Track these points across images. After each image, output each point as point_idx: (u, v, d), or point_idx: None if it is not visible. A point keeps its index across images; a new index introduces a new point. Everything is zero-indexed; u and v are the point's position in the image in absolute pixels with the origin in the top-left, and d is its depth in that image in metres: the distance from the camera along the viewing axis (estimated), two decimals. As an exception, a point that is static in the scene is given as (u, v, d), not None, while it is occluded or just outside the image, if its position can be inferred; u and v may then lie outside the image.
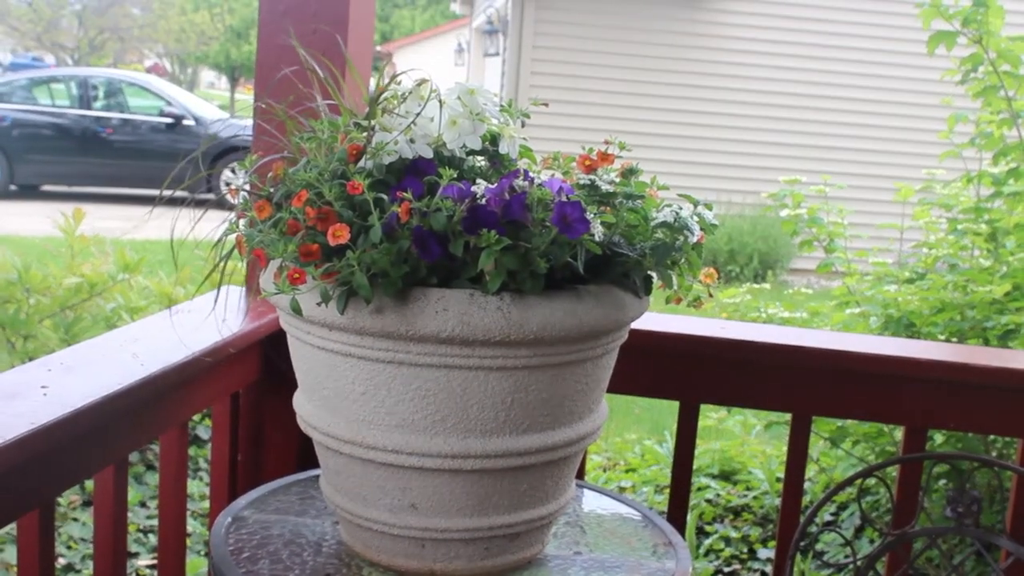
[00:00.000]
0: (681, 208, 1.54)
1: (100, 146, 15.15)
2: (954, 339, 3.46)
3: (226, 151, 11.22)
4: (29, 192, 15.13)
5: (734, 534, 4.12)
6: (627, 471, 4.79)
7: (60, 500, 3.58)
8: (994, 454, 3.33)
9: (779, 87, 13.09)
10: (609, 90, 13.00)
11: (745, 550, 4.04)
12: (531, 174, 1.46)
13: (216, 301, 1.87)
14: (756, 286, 4.15)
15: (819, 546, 3.92)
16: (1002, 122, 3.57)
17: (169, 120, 15.32)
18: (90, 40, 33.70)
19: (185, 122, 15.29)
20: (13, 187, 15.09)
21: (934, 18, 3.57)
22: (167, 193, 1.62)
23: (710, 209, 1.58)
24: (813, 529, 3.74)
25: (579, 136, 1.77)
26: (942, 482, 3.40)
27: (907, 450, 2.25)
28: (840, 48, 12.97)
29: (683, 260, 1.54)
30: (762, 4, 13.11)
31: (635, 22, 13.13)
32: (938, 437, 3.30)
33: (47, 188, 15.36)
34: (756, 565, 3.93)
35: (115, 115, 15.45)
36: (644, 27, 13.14)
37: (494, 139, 1.57)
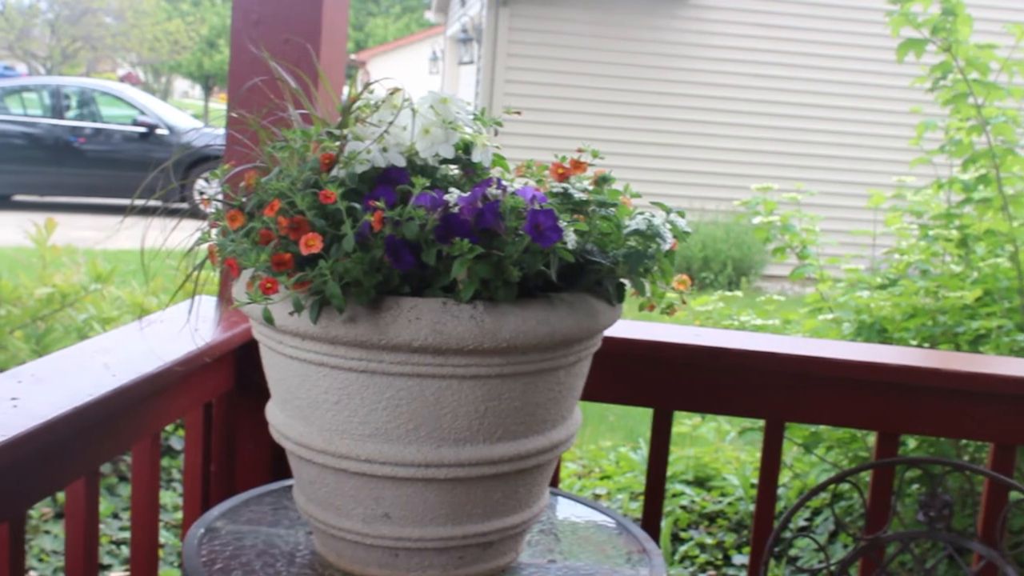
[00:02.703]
0: (653, 216, 1.54)
1: (73, 156, 15.07)
2: (926, 344, 3.48)
3: (200, 160, 11.20)
4: (0, 202, 15.03)
5: (709, 540, 4.13)
6: (602, 478, 4.79)
7: (31, 513, 3.55)
8: (966, 458, 3.35)
9: (751, 95, 13.14)
10: (583, 98, 13.03)
11: (720, 556, 4.05)
12: (504, 182, 1.46)
13: (189, 311, 1.86)
14: (729, 293, 4.15)
15: (793, 551, 3.94)
16: (971, 129, 3.60)
17: (142, 129, 15.25)
18: (63, 49, 33.52)
19: (159, 131, 15.23)
20: (-15, 197, 15.00)
21: (903, 26, 3.59)
22: (140, 203, 1.62)
23: (682, 216, 1.59)
24: (787, 535, 3.75)
25: (552, 144, 1.77)
26: (915, 486, 3.42)
27: (879, 455, 2.26)
28: (811, 56, 13.04)
29: (656, 267, 1.54)
30: (735, 12, 13.16)
31: (609, 31, 13.15)
32: (911, 442, 3.32)
33: (19, 198, 15.26)
34: (731, 571, 3.94)
35: (88, 124, 15.37)
36: (618, 36, 13.17)
37: (467, 148, 1.56)
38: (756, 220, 3.86)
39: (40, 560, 3.31)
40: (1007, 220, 3.50)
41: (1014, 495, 2.27)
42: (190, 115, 19.68)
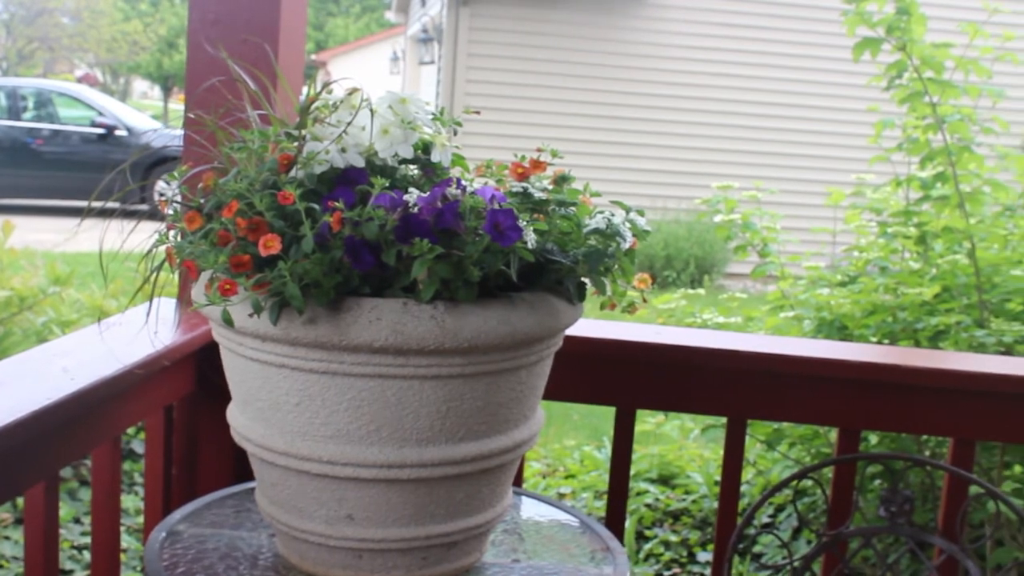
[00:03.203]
0: (613, 215, 1.54)
1: (30, 157, 14.93)
2: (886, 341, 3.50)
3: (159, 161, 11.12)
4: (-44, 205, 14.89)
5: (673, 538, 4.15)
6: (566, 477, 4.80)
7: (-9, 518, 3.52)
8: (927, 454, 3.38)
9: (711, 94, 13.21)
10: (544, 97, 13.06)
11: (685, 554, 4.07)
12: (464, 182, 1.46)
13: (148, 314, 1.85)
14: (691, 291, 4.17)
15: (757, 548, 3.96)
16: (927, 127, 3.63)
17: (101, 131, 15.13)
18: (19, 50, 33.24)
19: (117, 132, 15.12)
20: (-60, 200, 14.85)
21: (859, 25, 3.62)
22: (98, 204, 1.60)
23: (642, 215, 1.59)
24: (751, 531, 3.77)
25: (513, 144, 1.77)
26: (876, 482, 3.44)
27: (841, 451, 2.28)
28: (770, 55, 13.12)
29: (616, 266, 1.54)
30: (694, 12, 13.24)
31: (569, 30, 13.19)
32: (872, 438, 3.34)
33: (-25, 201, 15.12)
34: (696, 568, 3.95)
35: (45, 126, 15.24)
36: (579, 35, 13.20)
37: (426, 148, 1.56)
38: (717, 218, 3.87)
39: (0, 567, 3.28)
40: (964, 217, 3.53)
41: (974, 489, 2.30)
42: (149, 116, 19.55)
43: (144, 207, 1.65)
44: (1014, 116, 4.17)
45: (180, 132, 2.19)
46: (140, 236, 1.57)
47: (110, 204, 1.60)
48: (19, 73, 30.85)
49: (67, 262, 4.33)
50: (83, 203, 1.48)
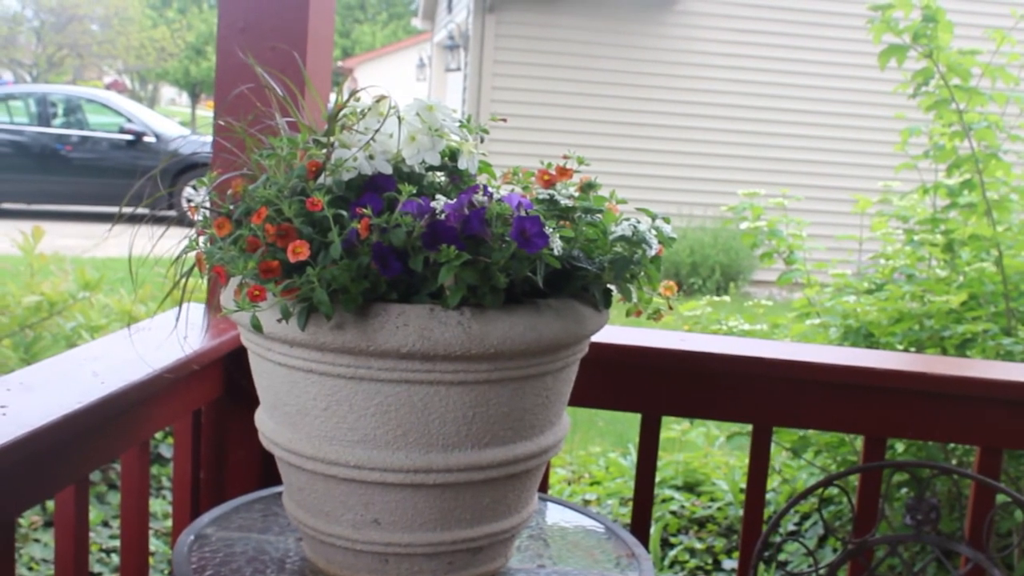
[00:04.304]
0: (639, 222, 1.55)
1: (59, 164, 15.02)
2: (912, 349, 3.49)
3: (188, 168, 11.17)
4: (-12, 211, 15.00)
5: (699, 545, 4.13)
6: (592, 484, 4.79)
7: (21, 521, 3.55)
8: (954, 462, 3.36)
9: (737, 100, 13.18)
10: (569, 104, 13.05)
11: (710, 561, 4.06)
12: (490, 189, 1.47)
13: (177, 319, 1.87)
14: (717, 299, 4.16)
15: (782, 556, 3.94)
16: (954, 134, 3.61)
17: (129, 137, 15.21)
18: (48, 57, 33.44)
19: (146, 139, 15.19)
20: (-29, 206, 14.96)
21: (885, 33, 3.60)
22: (127, 210, 1.62)
23: (668, 222, 1.59)
24: (776, 539, 3.76)
25: (539, 150, 1.77)
26: (902, 490, 3.43)
27: (867, 459, 2.27)
28: (796, 62, 13.08)
29: (642, 273, 1.54)
30: (722, 19, 13.21)
31: (596, 37, 13.18)
32: (899, 446, 3.33)
33: (6, 206, 15.20)
34: (720, 576, 3.94)
35: (75, 132, 15.34)
36: (605, 42, 13.19)
37: (453, 155, 1.57)
38: (743, 225, 3.86)
39: (30, 569, 3.30)
40: (991, 225, 3.52)
41: (1001, 498, 2.28)
42: (177, 122, 19.66)
43: (172, 213, 1.66)
44: (1043, 124, 4.14)
45: (208, 139, 2.21)
46: (169, 242, 1.58)
47: (139, 210, 1.62)
48: (49, 80, 31.03)
49: (96, 267, 4.36)
50: (112, 209, 1.49)
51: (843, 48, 12.68)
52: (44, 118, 15.45)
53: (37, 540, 3.46)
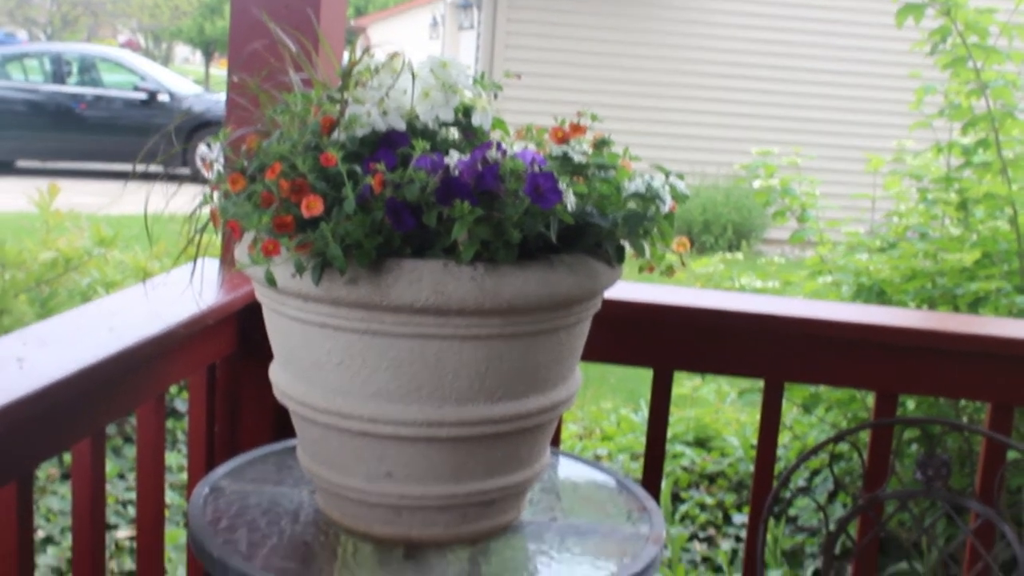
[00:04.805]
0: (653, 178, 1.54)
1: (74, 122, 15.03)
2: (924, 306, 3.48)
3: (201, 125, 11.16)
4: (3, 168, 15.00)
5: (709, 500, 4.15)
6: (603, 439, 4.81)
7: (38, 474, 3.57)
8: (964, 419, 3.36)
9: (752, 59, 13.09)
10: (583, 63, 12.98)
11: (720, 516, 4.08)
12: (504, 146, 1.46)
13: (192, 274, 1.87)
14: (729, 256, 4.16)
15: (792, 511, 3.96)
16: (970, 93, 3.58)
17: (143, 95, 15.20)
18: (63, 15, 33.36)
19: (160, 97, 15.18)
20: (-12, 163, 14.99)
21: (904, -12, 3.57)
22: (142, 168, 1.62)
23: (682, 179, 1.59)
24: (786, 494, 3.77)
25: (553, 108, 1.77)
26: (913, 446, 3.43)
27: (878, 415, 2.27)
28: (811, 20, 12.99)
29: (655, 230, 1.54)
30: (735, -24, 13.11)
31: (609, -6, 13.11)
32: (910, 403, 3.33)
33: (22, 164, 15.24)
34: (731, 530, 3.96)
35: (89, 91, 15.33)
36: (619, 0, 13.12)
37: (467, 111, 1.56)
38: (756, 184, 3.85)
39: (47, 520, 3.33)
40: (1006, 184, 3.50)
41: (1012, 455, 2.29)
42: (191, 81, 19.58)
43: (186, 170, 1.66)
44: (1059, 83, 4.10)
45: (221, 97, 2.20)
46: (183, 199, 1.58)
47: (153, 167, 1.62)
48: (63, 38, 30.97)
49: (111, 224, 4.36)
50: (127, 166, 1.50)
51: (858, 6, 12.59)
52: (59, 76, 15.44)
53: (55, 492, 3.49)
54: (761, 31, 13.03)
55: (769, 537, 3.60)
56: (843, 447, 3.45)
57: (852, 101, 12.96)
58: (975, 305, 3.38)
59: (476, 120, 1.56)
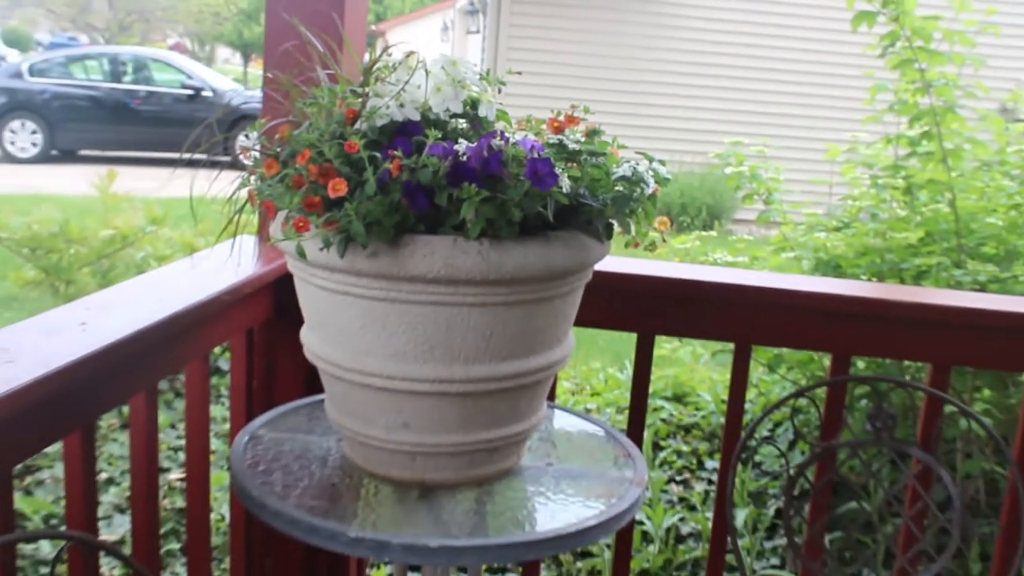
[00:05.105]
0: (638, 164, 1.53)
1: (129, 115, 15.01)
2: (874, 279, 3.48)
3: (240, 118, 11.10)
4: (68, 156, 14.99)
5: (685, 448, 4.16)
6: (592, 395, 4.81)
7: (100, 423, 3.58)
8: (908, 377, 3.36)
9: (724, 60, 13.07)
10: (576, 63, 12.95)
11: (695, 462, 4.08)
12: (507, 134, 1.46)
13: (232, 249, 1.87)
14: (704, 234, 4.15)
15: (758, 458, 3.96)
16: (916, 91, 3.56)
17: (190, 92, 15.17)
18: (119, 21, 33.29)
19: (204, 93, 15.14)
20: (54, 152, 14.97)
21: (857, -1, 3.55)
22: (188, 156, 1.61)
23: (663, 165, 1.58)
24: (753, 443, 3.78)
25: (550, 102, 1.76)
26: (863, 401, 3.43)
27: (833, 374, 2.27)
28: (778, 26, 12.95)
29: (640, 209, 1.53)
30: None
31: (601, 2, 13.05)
32: (860, 363, 3.33)
33: (84, 153, 15.21)
34: (704, 475, 3.97)
35: (142, 88, 15.30)
36: (609, 7, 13.06)
37: (474, 104, 1.55)
38: (728, 170, 3.83)
39: (109, 464, 3.34)
40: (946, 171, 3.48)
41: (948, 409, 2.29)
42: (231, 79, 19.54)
43: (227, 158, 1.65)
44: (993, 82, 4.07)
45: (258, 93, 2.19)
46: (224, 183, 1.58)
47: (198, 155, 1.61)
48: (119, 42, 30.86)
49: (162, 206, 4.35)
50: (175, 154, 1.48)
51: (818, 14, 12.54)
52: (116, 75, 15.39)
53: (115, 440, 3.49)
54: (734, 36, 13.00)
55: (737, 480, 3.61)
56: (802, 402, 3.45)
57: (813, 97, 12.93)
58: (918, 278, 3.37)
59: (482, 112, 1.55)
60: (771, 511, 3.57)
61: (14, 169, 13.88)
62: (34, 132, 14.85)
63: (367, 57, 1.55)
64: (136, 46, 25.63)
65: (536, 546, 1.50)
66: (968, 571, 2.95)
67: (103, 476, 3.28)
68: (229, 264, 1.97)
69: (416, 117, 1.47)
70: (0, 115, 14.78)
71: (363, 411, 1.55)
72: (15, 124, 14.82)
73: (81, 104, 14.98)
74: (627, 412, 2.33)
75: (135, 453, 1.78)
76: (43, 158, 14.75)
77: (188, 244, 4.05)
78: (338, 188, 1.35)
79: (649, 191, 1.52)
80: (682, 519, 3.54)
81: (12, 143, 14.84)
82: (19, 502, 2.84)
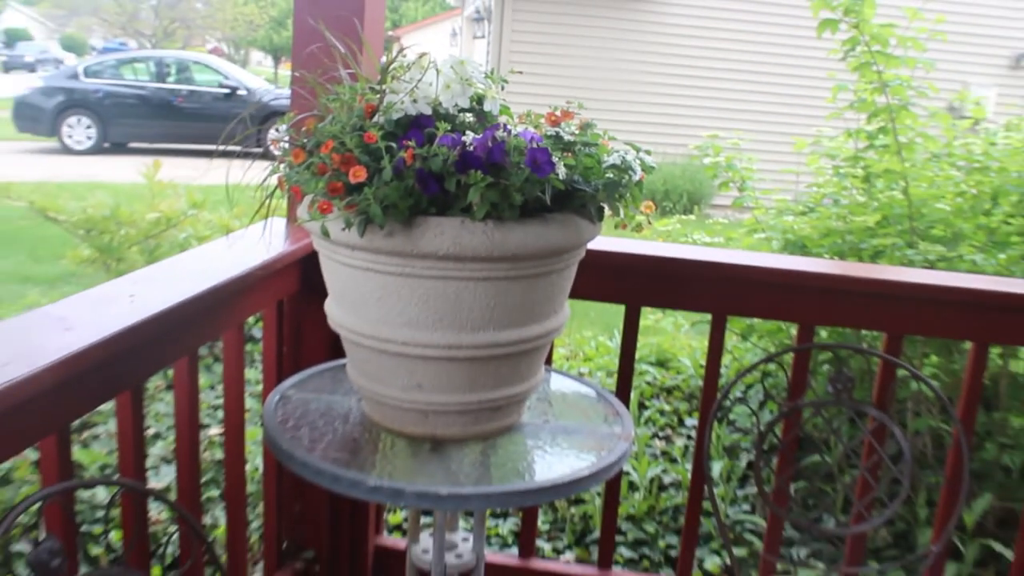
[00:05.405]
0: (626, 154, 1.52)
1: (173, 112, 14.96)
2: (836, 257, 3.46)
3: (271, 114, 11.05)
4: (119, 148, 14.95)
5: (667, 408, 4.15)
6: (585, 360, 4.81)
7: (148, 385, 3.58)
8: (865, 344, 3.35)
9: (704, 63, 13.02)
10: (571, 64, 12.91)
11: (675, 420, 4.08)
12: (509, 127, 1.45)
13: (264, 229, 1.86)
14: (685, 218, 4.13)
15: (732, 416, 3.96)
16: (874, 90, 3.53)
17: (226, 91, 15.11)
18: (164, 28, 33.21)
19: (239, 92, 15.08)
20: (106, 145, 14.94)
21: (822, 8, 3.51)
22: (224, 148, 1.60)
23: (649, 155, 1.57)
24: (727, 403, 3.77)
25: (547, 100, 1.75)
26: (825, 366, 3.42)
27: (799, 342, 2.26)
28: (752, 33, 12.91)
29: (628, 194, 1.52)
30: (692, 7, 13.04)
31: (592, 11, 13.00)
32: (823, 332, 3.32)
33: (132, 145, 15.17)
34: (683, 431, 3.97)
35: (184, 87, 15.23)
36: (599, 15, 13.01)
37: (480, 100, 1.54)
38: (706, 160, 3.81)
39: (156, 420, 3.34)
40: (900, 162, 3.46)
41: (901, 373, 2.28)
42: (263, 79, 19.46)
43: (259, 150, 1.65)
44: (942, 83, 4.04)
45: (287, 91, 2.17)
46: (256, 171, 1.57)
47: (233, 147, 1.60)
48: (164, 46, 30.82)
49: (202, 192, 4.33)
50: (213, 146, 1.48)
51: (787, 22, 12.50)
52: (161, 76, 15.33)
53: (161, 399, 3.49)
54: (713, 42, 12.96)
55: (713, 436, 3.61)
56: (771, 367, 3.44)
57: (782, 96, 12.88)
58: (875, 256, 3.36)
59: (487, 107, 1.54)
60: (743, 463, 3.57)
61: (71, 160, 13.85)
62: (89, 127, 14.81)
63: (384, 58, 1.54)
64: (179, 50, 25.54)
65: (534, 494, 1.50)
66: (916, 515, 2.95)
67: (151, 431, 3.28)
68: (261, 243, 1.96)
69: (428, 111, 1.46)
70: (59, 112, 14.75)
71: (381, 374, 1.55)
72: (72, 120, 14.79)
73: (130, 102, 14.93)
74: (616, 375, 2.33)
75: (179, 411, 1.78)
76: (97, 150, 14.72)
77: (225, 225, 4.03)
78: (358, 174, 1.34)
79: (636, 178, 1.51)
80: (664, 470, 3.55)
81: (69, 137, 14.81)
82: (77, 454, 2.85)
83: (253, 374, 3.74)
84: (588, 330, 5.59)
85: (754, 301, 2.29)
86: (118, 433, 1.60)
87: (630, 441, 1.66)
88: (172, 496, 2.55)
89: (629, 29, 13.04)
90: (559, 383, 1.96)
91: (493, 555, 2.50)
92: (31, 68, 35.00)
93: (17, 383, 1.20)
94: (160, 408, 3.44)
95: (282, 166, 1.52)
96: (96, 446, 3.05)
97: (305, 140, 1.49)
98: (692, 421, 4.00)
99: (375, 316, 1.49)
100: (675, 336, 4.82)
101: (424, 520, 2.78)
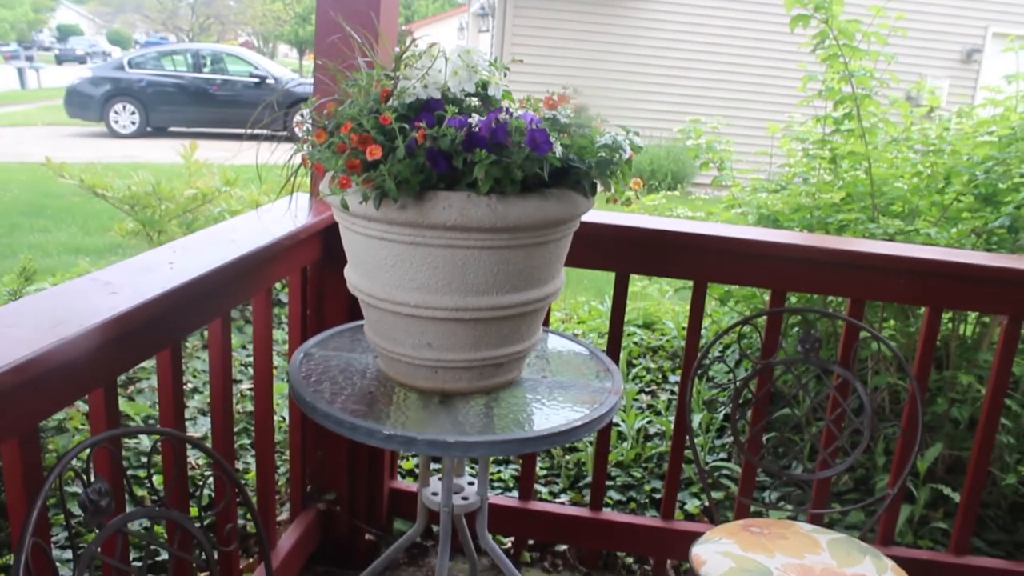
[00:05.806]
0: (617, 135, 1.51)
1: (208, 99, 14.89)
2: (805, 230, 3.44)
3: (296, 100, 10.99)
4: (160, 132, 14.89)
5: (652, 366, 4.15)
6: (579, 322, 4.80)
7: (186, 344, 3.58)
8: (831, 308, 3.34)
9: (687, 55, 12.93)
10: (566, 55, 12.83)
11: (660, 377, 4.08)
12: (511, 110, 1.43)
13: (290, 203, 1.84)
14: (669, 194, 4.11)
15: (712, 373, 3.96)
16: (840, 80, 3.50)
17: (256, 80, 15.02)
18: (200, 23, 33.04)
19: (267, 81, 15.01)
20: (149, 129, 14.89)
21: (795, 5, 3.47)
22: (254, 131, 1.59)
23: (638, 136, 1.55)
24: (707, 362, 3.77)
25: (545, 86, 1.73)
26: (795, 329, 3.42)
27: (772, 306, 2.26)
28: (731, 28, 12.80)
29: (618, 172, 1.51)
30: (679, 4, 12.93)
31: (586, 7, 12.90)
32: (793, 297, 3.31)
33: (172, 129, 15.11)
34: (667, 386, 3.97)
35: (218, 76, 15.14)
36: (592, 11, 12.91)
37: (484, 86, 1.52)
38: (689, 143, 3.78)
39: (193, 376, 3.34)
40: (864, 145, 3.43)
41: (863, 335, 2.27)
42: (289, 70, 19.33)
43: (285, 133, 1.63)
44: (902, 75, 4.01)
45: (311, 80, 2.15)
46: (283, 152, 1.56)
47: (262, 131, 1.58)
48: (200, 40, 30.68)
49: (234, 171, 4.31)
50: (244, 130, 1.46)
51: (763, 18, 12.40)
52: (197, 67, 15.24)
53: (198, 357, 3.49)
54: (695, 35, 12.87)
55: (694, 391, 3.61)
56: (747, 329, 3.43)
57: (758, 84, 12.80)
58: (840, 230, 3.34)
59: (491, 92, 1.52)
60: (721, 415, 3.57)
61: (117, 143, 13.79)
62: (133, 113, 14.75)
63: (398, 48, 1.52)
64: (213, 43, 25.35)
65: (533, 442, 1.50)
66: (875, 463, 2.95)
67: (189, 386, 3.29)
68: (287, 216, 1.94)
69: (437, 95, 1.44)
70: (106, 100, 14.68)
71: (394, 333, 1.54)
72: (118, 107, 14.74)
73: (170, 90, 14.86)
74: (607, 336, 2.32)
75: (213, 367, 1.78)
76: (140, 134, 14.67)
77: (254, 200, 4.01)
78: (374, 153, 1.33)
79: (626, 157, 1.49)
80: (649, 422, 3.55)
81: (116, 122, 14.76)
82: (123, 406, 2.85)
83: (280, 335, 3.74)
84: (582, 295, 5.58)
85: (732, 269, 2.28)
86: (159, 387, 1.60)
87: (619, 395, 1.65)
88: (208, 444, 2.55)
89: (620, 24, 12.94)
90: (556, 343, 1.95)
91: (496, 498, 2.50)
92: (81, 60, 34.80)
93: (69, 340, 1.20)
94: (197, 365, 3.44)
95: (306, 145, 1.50)
96: (140, 399, 3.05)
97: (326, 122, 1.47)
98: (675, 378, 4.00)
99: (389, 281, 1.48)
100: (660, 301, 4.82)
101: (434, 466, 2.79)
